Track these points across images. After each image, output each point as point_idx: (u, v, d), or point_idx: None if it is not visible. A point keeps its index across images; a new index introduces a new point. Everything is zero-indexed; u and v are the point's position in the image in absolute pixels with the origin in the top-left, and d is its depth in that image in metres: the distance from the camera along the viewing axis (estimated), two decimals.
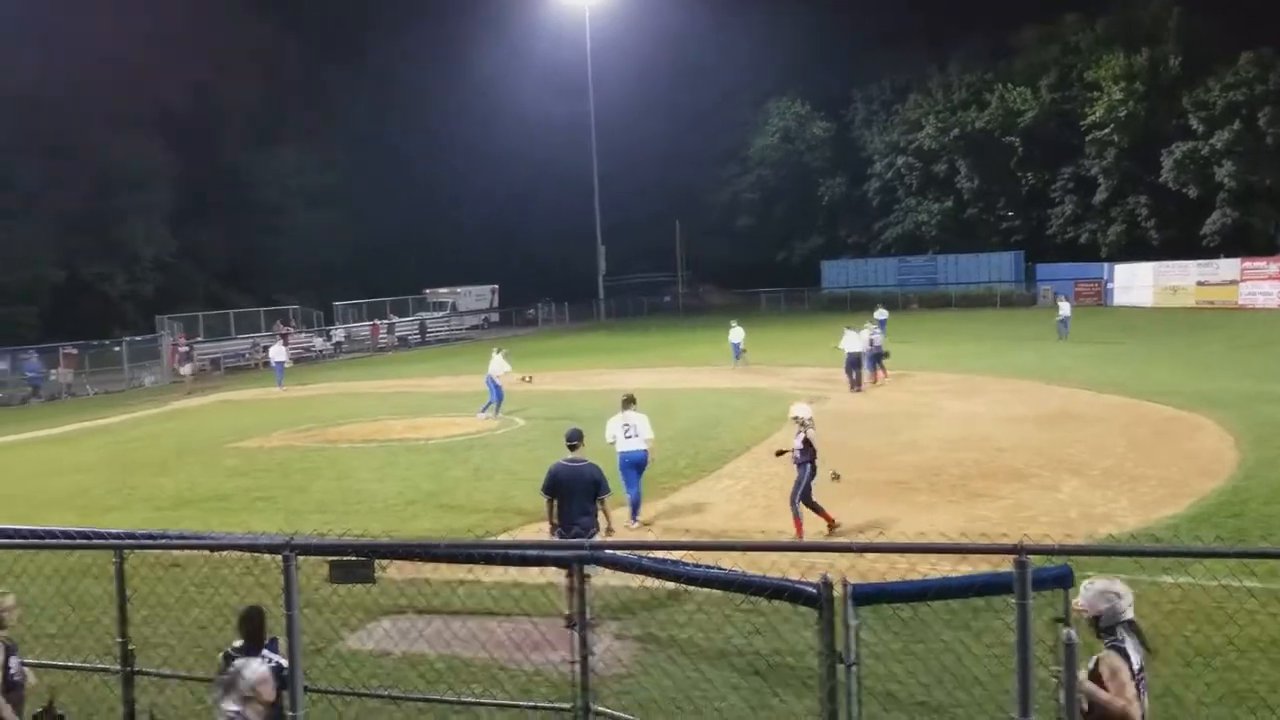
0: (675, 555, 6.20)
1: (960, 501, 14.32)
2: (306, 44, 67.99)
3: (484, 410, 24.83)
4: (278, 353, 36.29)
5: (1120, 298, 57.49)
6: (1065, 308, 38.70)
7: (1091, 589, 5.27)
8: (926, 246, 71.36)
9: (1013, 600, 4.27)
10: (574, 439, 10.83)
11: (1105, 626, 5.16)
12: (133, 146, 57.42)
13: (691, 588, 6.97)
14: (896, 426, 20.93)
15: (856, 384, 26.84)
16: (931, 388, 26.79)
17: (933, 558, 5.63)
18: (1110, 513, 13.24)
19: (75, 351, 41.10)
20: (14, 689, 6.38)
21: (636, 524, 13.43)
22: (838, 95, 75.61)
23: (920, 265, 69.52)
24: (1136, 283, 56.87)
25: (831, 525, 12.73)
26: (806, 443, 12.84)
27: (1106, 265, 60.28)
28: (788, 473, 16.67)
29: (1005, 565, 4.35)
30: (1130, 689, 5.05)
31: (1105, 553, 5.46)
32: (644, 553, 6.05)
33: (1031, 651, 4.01)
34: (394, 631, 8.72)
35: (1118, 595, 5.27)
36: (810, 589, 5.32)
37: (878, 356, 28.36)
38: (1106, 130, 60.91)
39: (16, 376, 39.00)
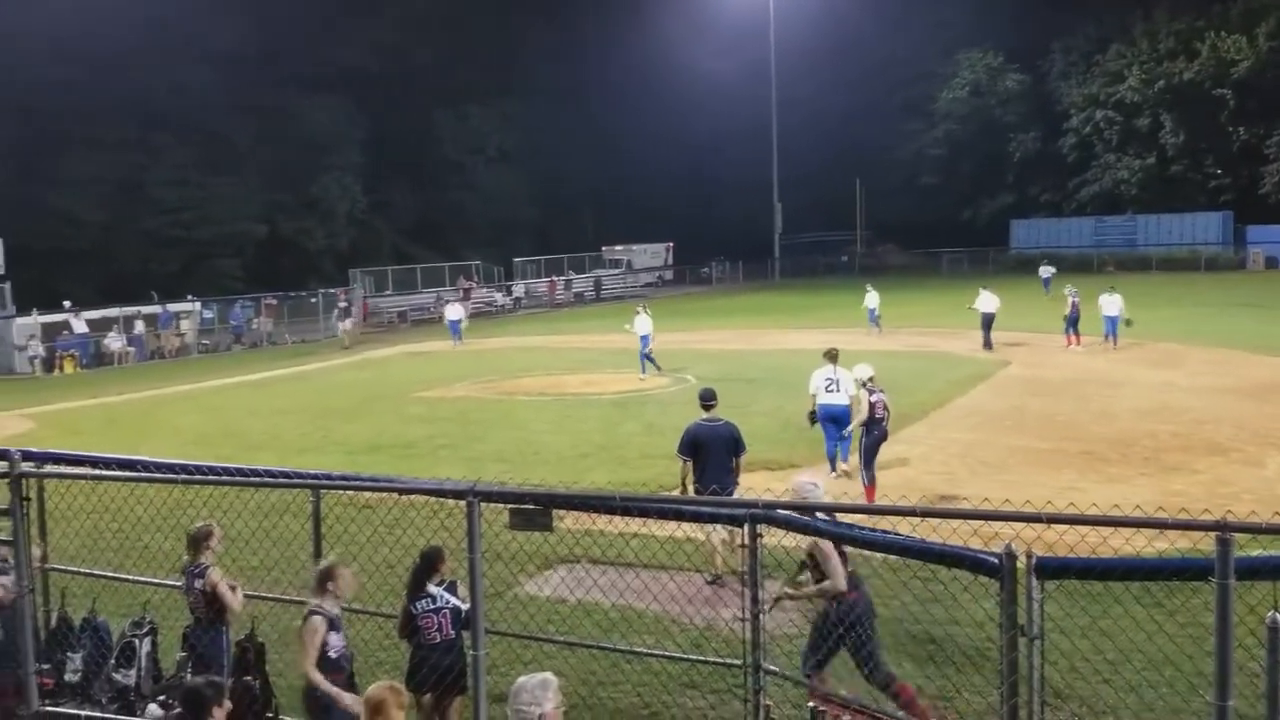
0: (849, 518, 6.09)
1: (1154, 475, 13.59)
2: (490, 4, 69.26)
3: (644, 371, 25.01)
4: (453, 311, 37.17)
5: None
6: None
7: (798, 483, 6.95)
8: (1125, 206, 67.45)
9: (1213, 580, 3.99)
10: (709, 398, 10.79)
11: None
12: (326, 106, 60.12)
13: (858, 551, 6.84)
14: (1088, 394, 20.01)
15: (988, 344, 26.91)
16: (1127, 355, 25.46)
17: (1126, 532, 5.32)
18: None
19: (275, 302, 43.62)
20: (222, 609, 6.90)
21: (836, 474, 13.57)
22: (1033, 46, 71.88)
23: (1118, 225, 65.84)
24: None
25: (870, 499, 12.40)
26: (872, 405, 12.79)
27: None
28: (968, 439, 16.28)
29: (1205, 543, 4.07)
30: (836, 561, 6.49)
31: None
32: (818, 514, 5.95)
33: (1232, 634, 3.74)
34: (569, 580, 8.90)
35: (814, 485, 6.93)
36: (992, 559, 5.14)
37: (1076, 320, 27.23)
38: None
39: (223, 325, 41.66)
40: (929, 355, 26.60)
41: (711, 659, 7.03)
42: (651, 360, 25.07)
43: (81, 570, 8.31)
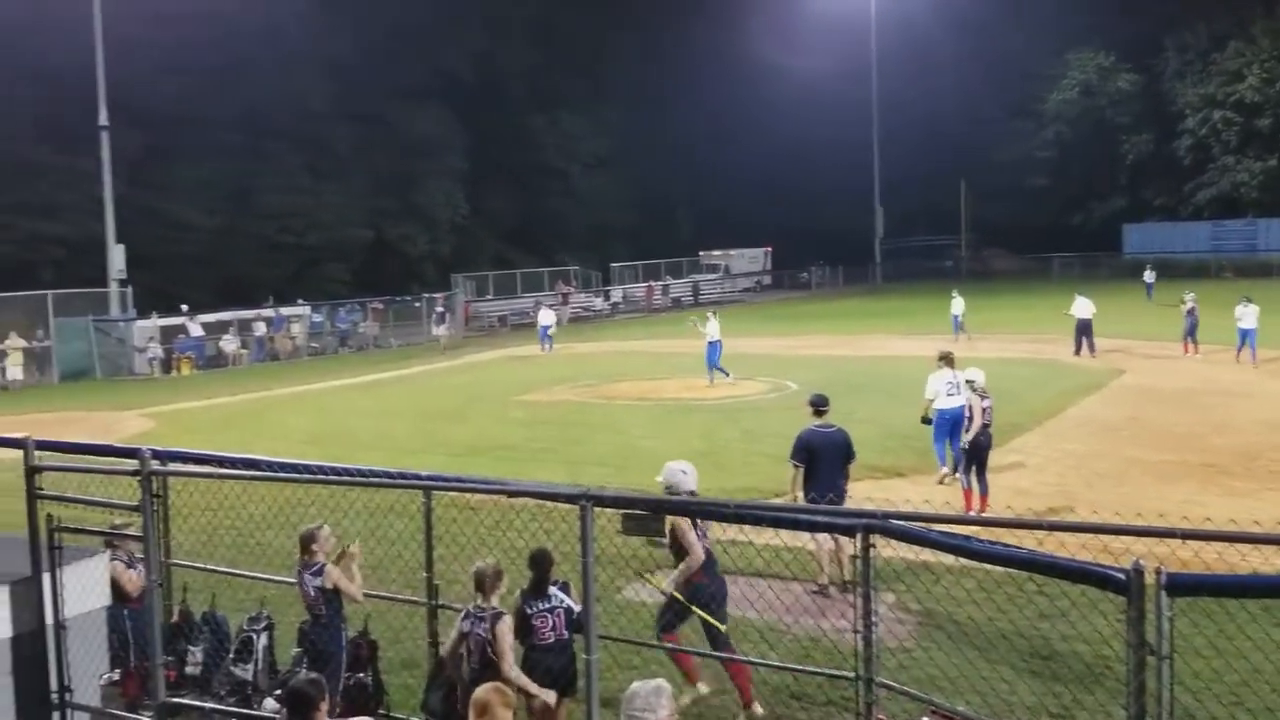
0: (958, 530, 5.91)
1: None
2: (585, 10, 69.77)
3: (727, 373, 24.79)
4: (545, 316, 37.37)
5: None
6: None
7: (669, 467, 7.92)
8: (1245, 209, 64.87)
9: None
10: (822, 404, 10.64)
11: (674, 495, 7.52)
12: (428, 114, 61.27)
13: (973, 564, 6.66)
14: (1208, 405, 19.25)
15: (1085, 349, 26.70)
16: (1248, 365, 24.41)
17: (1266, 549, 5.08)
18: None
19: (381, 306, 44.58)
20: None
21: (951, 476, 13.63)
22: (1146, 45, 69.61)
23: (1237, 230, 63.36)
24: None
25: (968, 504, 12.44)
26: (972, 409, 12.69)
27: None
28: (1083, 449, 15.80)
29: None
30: (693, 536, 7.32)
31: None
32: (931, 525, 5.78)
33: None
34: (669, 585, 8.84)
35: (683, 471, 7.85)
36: (1119, 575, 4.94)
37: (1194, 328, 26.22)
38: None
39: (331, 329, 42.72)
40: (1040, 362, 25.91)
41: (819, 670, 6.90)
42: (719, 368, 24.84)
43: (200, 565, 8.54)
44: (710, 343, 24.87)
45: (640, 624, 7.94)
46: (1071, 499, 12.61)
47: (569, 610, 6.42)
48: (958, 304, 32.73)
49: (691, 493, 7.92)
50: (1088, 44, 71.01)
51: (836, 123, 70.41)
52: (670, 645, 7.32)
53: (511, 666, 6.05)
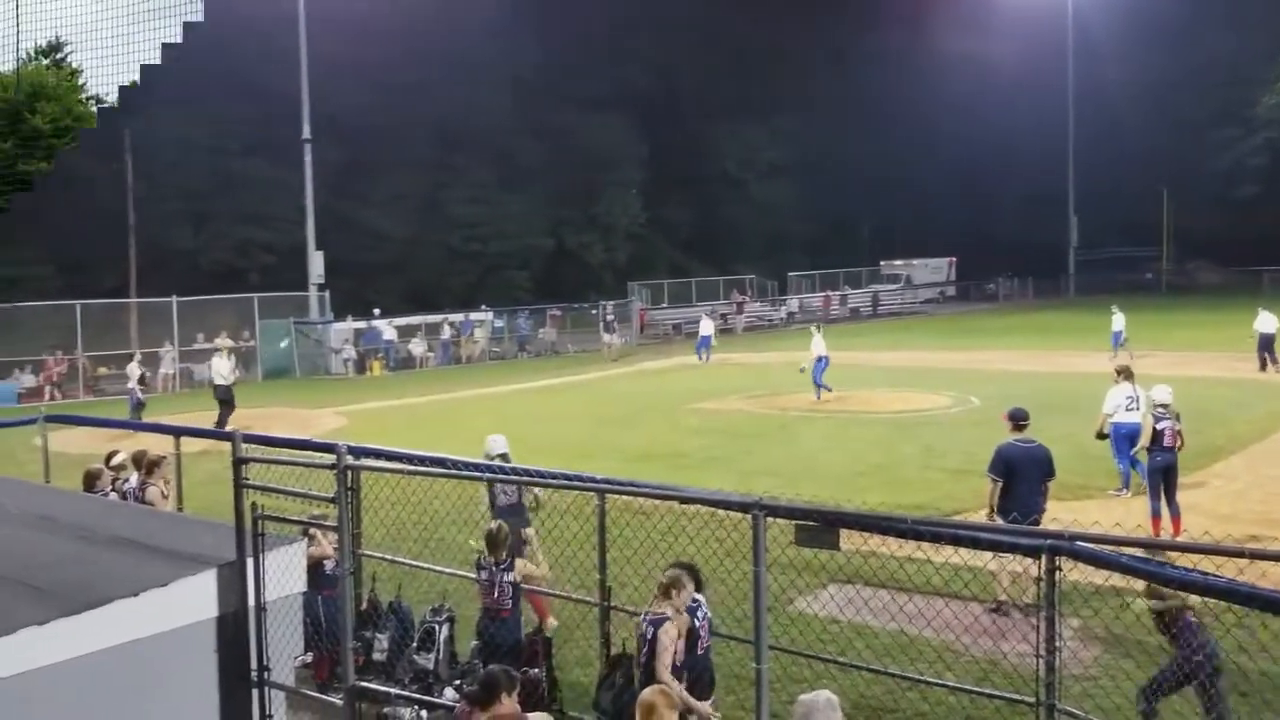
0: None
1: None
2: (765, 20, 69.52)
3: (828, 389, 24.41)
4: (705, 326, 37.31)
5: None
6: None
7: (487, 439, 9.67)
8: None
9: None
10: (1023, 418, 10.34)
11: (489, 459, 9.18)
12: (609, 125, 62.35)
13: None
14: None
15: (1269, 364, 26.16)
16: None
17: None
18: None
19: (559, 313, 45.71)
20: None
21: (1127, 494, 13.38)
22: None
23: None
24: None
25: (1155, 529, 11.73)
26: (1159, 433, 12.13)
27: None
28: None
29: None
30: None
31: None
32: (1121, 548, 5.52)
33: None
34: (841, 599, 8.74)
35: (494, 439, 9.63)
36: None
37: None
38: None
39: (511, 334, 44.03)
40: (1245, 383, 24.29)
41: (999, 693, 6.67)
42: (820, 383, 24.40)
43: (388, 557, 8.95)
44: (818, 358, 24.49)
45: (811, 636, 7.88)
46: (1277, 527, 11.79)
47: (707, 616, 6.57)
48: (1118, 320, 31.76)
49: (503, 455, 9.39)
50: None
51: (1028, 130, 67.76)
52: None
53: (665, 669, 6.09)
